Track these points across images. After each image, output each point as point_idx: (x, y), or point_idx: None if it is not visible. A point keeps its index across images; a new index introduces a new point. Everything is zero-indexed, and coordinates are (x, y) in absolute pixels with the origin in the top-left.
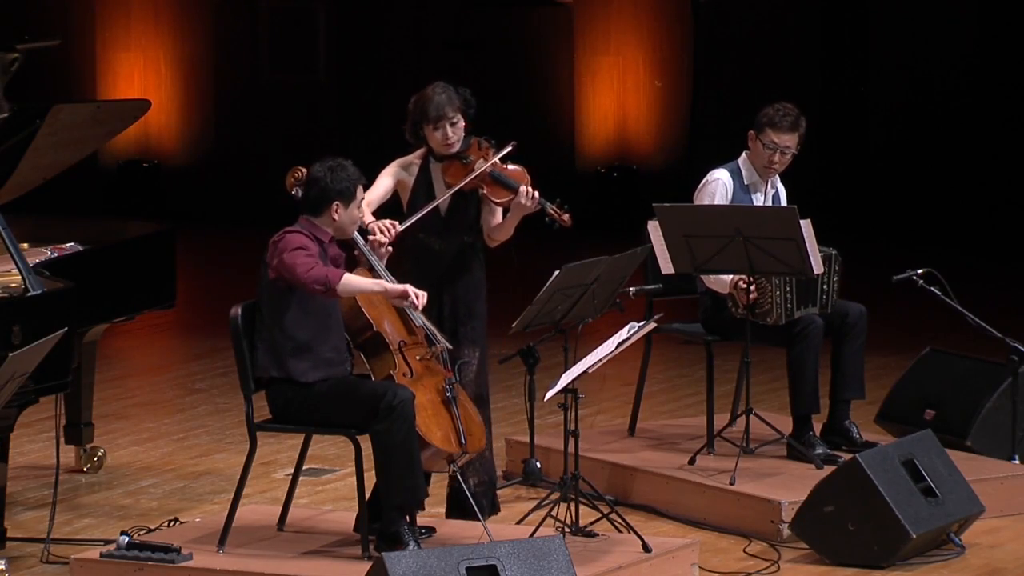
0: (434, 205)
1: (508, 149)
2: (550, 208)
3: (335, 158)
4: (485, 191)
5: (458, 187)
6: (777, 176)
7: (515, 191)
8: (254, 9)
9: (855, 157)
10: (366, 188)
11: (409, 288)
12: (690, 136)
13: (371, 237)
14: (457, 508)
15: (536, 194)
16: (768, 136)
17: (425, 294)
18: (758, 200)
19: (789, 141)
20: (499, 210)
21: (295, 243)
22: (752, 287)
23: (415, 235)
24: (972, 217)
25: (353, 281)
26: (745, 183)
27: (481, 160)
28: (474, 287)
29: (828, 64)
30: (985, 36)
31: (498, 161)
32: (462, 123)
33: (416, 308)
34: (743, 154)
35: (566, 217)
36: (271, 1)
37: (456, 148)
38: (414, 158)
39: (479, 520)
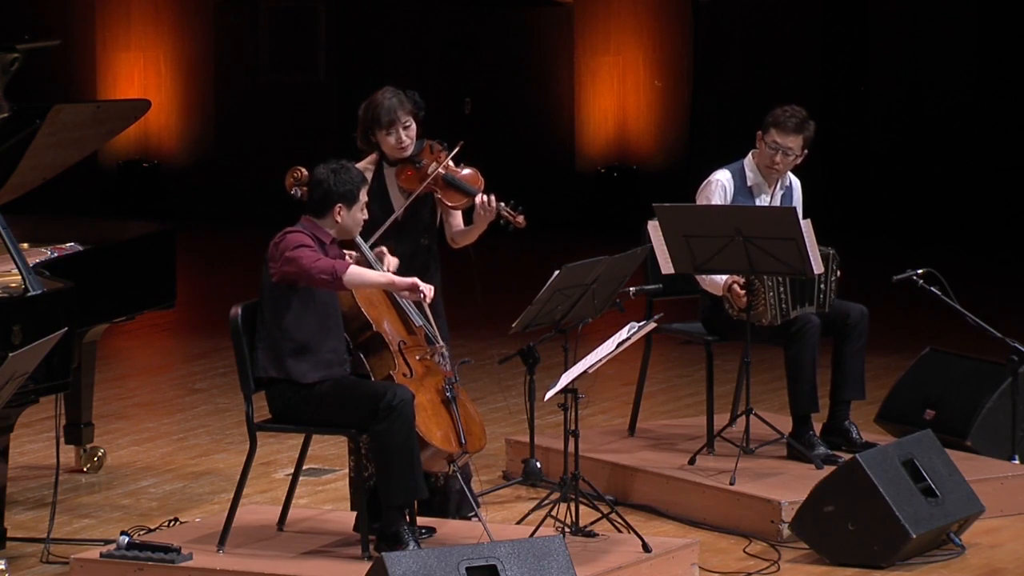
0: (393, 218)
1: (456, 150)
2: (504, 211)
3: (339, 160)
4: (439, 195)
5: (415, 195)
6: (790, 173)
7: (470, 196)
8: (254, 9)
9: (855, 157)
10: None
11: (417, 280)
12: (690, 136)
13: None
14: (434, 507)
15: (493, 201)
16: (772, 136)
17: (432, 288)
18: (762, 201)
19: (792, 143)
20: (459, 212)
21: (297, 241)
22: (744, 290)
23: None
24: (972, 217)
25: (360, 272)
26: (748, 184)
27: (433, 163)
28: (435, 288)
29: (828, 64)
30: (985, 37)
31: (450, 164)
32: (414, 126)
33: (425, 301)
34: (749, 154)
35: (520, 219)
36: (271, 1)
37: (409, 152)
38: (367, 163)
39: (452, 517)
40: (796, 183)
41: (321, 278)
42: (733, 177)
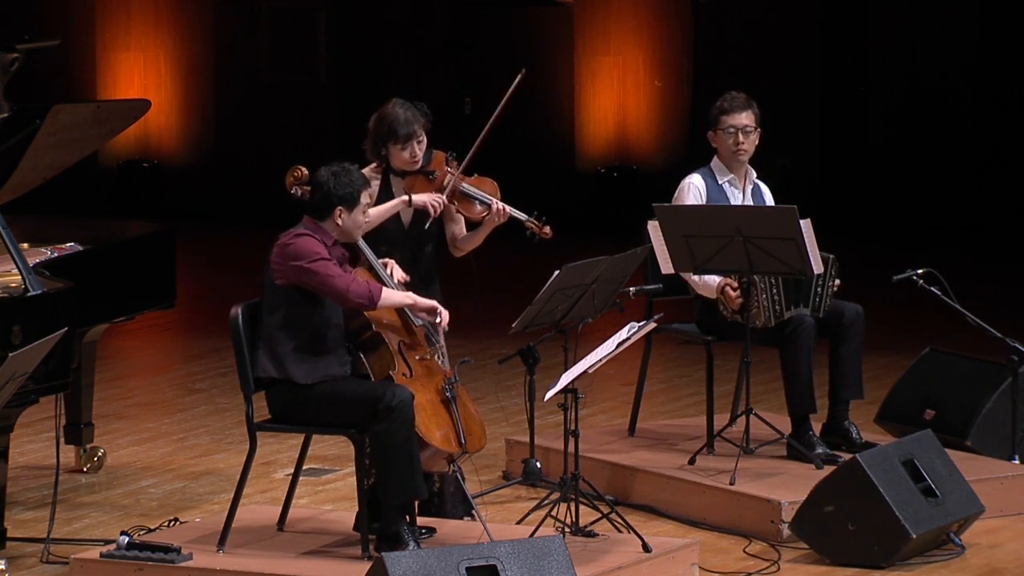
0: (433, 215)
1: (467, 162)
2: (529, 223)
3: (341, 163)
4: (456, 206)
5: (439, 207)
6: (754, 172)
7: (487, 206)
8: (254, 9)
9: (855, 157)
10: (371, 194)
11: (437, 304)
12: (690, 136)
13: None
14: (432, 508)
15: (507, 208)
16: (724, 123)
17: (448, 313)
18: (736, 197)
19: (746, 119)
20: (462, 220)
21: (313, 251)
22: (736, 292)
23: (377, 248)
24: (972, 217)
25: (390, 295)
26: (719, 182)
27: (449, 176)
28: (436, 297)
29: (828, 64)
30: (985, 36)
31: (464, 175)
32: (425, 140)
33: (440, 325)
34: (714, 157)
35: (547, 229)
36: (271, 1)
37: (420, 164)
38: (372, 173)
39: (455, 519)
40: (765, 189)
41: (357, 302)
42: (704, 178)
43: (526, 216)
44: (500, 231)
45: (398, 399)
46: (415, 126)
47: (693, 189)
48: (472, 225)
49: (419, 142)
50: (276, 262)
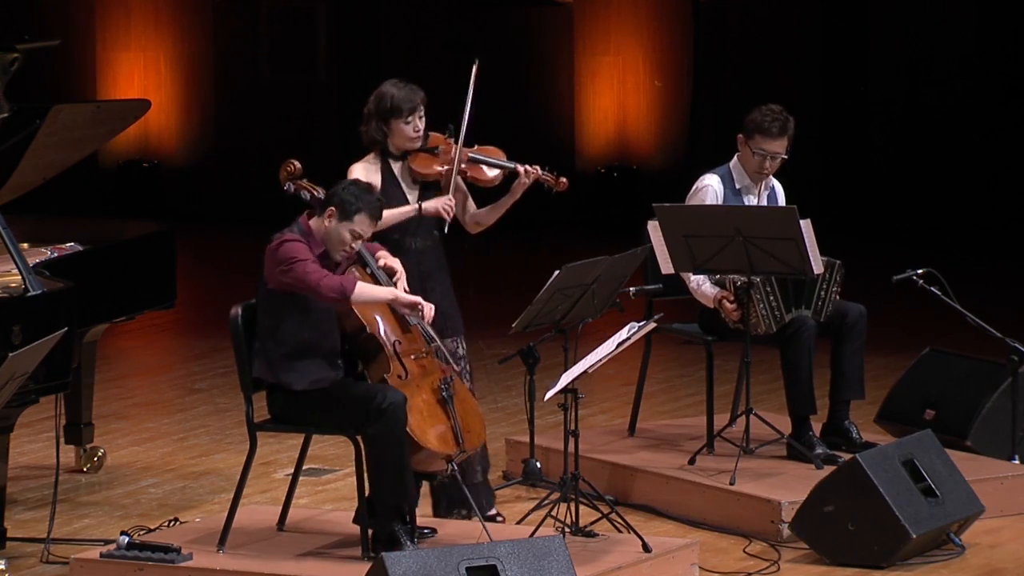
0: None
1: (463, 129)
2: (543, 176)
3: (371, 186)
4: (469, 175)
5: (453, 175)
6: (772, 178)
7: (505, 168)
8: (254, 9)
9: (855, 157)
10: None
11: (420, 299)
12: (690, 136)
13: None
14: (445, 505)
15: (537, 169)
16: (757, 143)
17: (432, 307)
18: (751, 202)
19: (779, 147)
20: (469, 194)
21: (291, 255)
22: (733, 305)
23: (390, 236)
24: (972, 217)
25: (367, 289)
26: (736, 187)
27: (455, 147)
28: (449, 279)
29: (828, 64)
30: (985, 36)
31: (466, 146)
32: (424, 117)
33: (424, 321)
34: (734, 157)
35: (563, 180)
36: (271, 1)
37: (420, 142)
38: (371, 159)
39: (443, 515)
40: (779, 188)
41: (329, 296)
42: (722, 180)
43: (538, 169)
44: (499, 228)
45: (389, 402)
46: (417, 99)
47: (711, 193)
48: (486, 198)
49: (421, 117)
50: (265, 265)
